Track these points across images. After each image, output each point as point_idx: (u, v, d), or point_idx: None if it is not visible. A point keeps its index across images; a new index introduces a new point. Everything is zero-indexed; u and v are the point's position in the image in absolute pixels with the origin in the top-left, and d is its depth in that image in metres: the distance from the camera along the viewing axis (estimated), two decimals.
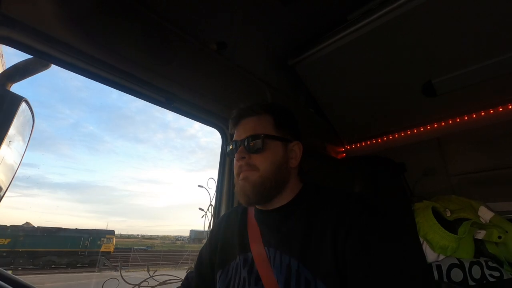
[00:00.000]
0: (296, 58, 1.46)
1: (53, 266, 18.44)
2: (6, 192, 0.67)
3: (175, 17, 1.01)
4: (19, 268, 16.87)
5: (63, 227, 21.06)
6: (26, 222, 21.65)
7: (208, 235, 1.00)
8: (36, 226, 20.32)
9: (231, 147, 0.84)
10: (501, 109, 1.40)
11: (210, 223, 1.47)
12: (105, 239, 21.53)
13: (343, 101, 1.69)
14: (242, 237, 0.84)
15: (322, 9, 1.27)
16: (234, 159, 0.81)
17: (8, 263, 17.35)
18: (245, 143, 0.78)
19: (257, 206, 0.84)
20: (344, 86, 1.59)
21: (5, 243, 18.04)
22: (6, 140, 0.63)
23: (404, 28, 1.18)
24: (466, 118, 1.50)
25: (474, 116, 1.48)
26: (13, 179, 0.69)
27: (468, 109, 1.49)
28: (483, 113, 1.46)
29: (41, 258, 19.03)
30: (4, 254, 17.81)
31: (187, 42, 1.07)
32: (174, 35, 1.02)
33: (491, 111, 1.43)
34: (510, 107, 1.38)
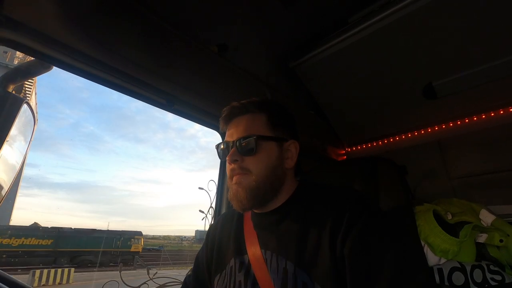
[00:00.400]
0: (297, 60, 1.46)
1: (89, 264, 19.92)
2: (8, 191, 0.67)
3: (176, 19, 1.02)
4: (54, 265, 17.79)
5: (67, 227, 22.26)
6: (34, 223, 23.08)
7: (205, 238, 0.99)
8: (73, 228, 21.95)
9: (222, 147, 0.80)
10: (502, 112, 1.40)
11: (210, 225, 1.46)
12: (134, 240, 23.31)
13: (344, 103, 1.69)
14: (238, 240, 0.82)
15: (323, 11, 1.28)
16: (226, 161, 0.78)
17: (51, 261, 19.02)
18: (237, 145, 0.74)
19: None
20: (344, 88, 1.59)
21: (49, 243, 19.74)
22: (8, 141, 0.64)
23: (405, 30, 1.18)
24: (467, 120, 1.50)
25: (475, 118, 1.47)
26: (15, 178, 0.70)
27: (469, 112, 1.49)
28: (484, 116, 1.45)
29: (79, 257, 20.66)
30: (48, 253, 19.54)
31: (188, 44, 1.07)
32: (175, 37, 1.02)
33: (492, 114, 1.42)
34: (511, 109, 1.38)
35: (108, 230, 23.53)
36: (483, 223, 1.28)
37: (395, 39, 1.23)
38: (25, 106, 0.68)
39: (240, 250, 0.80)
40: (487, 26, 1.12)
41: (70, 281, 13.23)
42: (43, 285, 12.33)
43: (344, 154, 1.98)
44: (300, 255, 0.67)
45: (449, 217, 1.27)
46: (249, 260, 0.75)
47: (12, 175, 0.68)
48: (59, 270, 13.57)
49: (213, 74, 1.19)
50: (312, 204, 0.73)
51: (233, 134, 0.77)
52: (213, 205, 1.44)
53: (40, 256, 19.10)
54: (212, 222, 1.44)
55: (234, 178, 0.75)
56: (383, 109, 1.66)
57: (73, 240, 20.70)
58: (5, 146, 0.62)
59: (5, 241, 18.13)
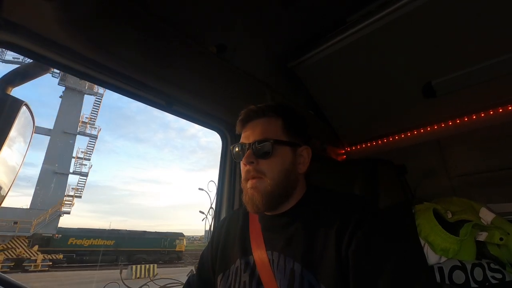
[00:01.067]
0: (295, 60, 1.46)
1: (143, 262, 21.78)
2: (9, 192, 0.68)
3: (174, 20, 1.02)
4: (116, 263, 22.14)
5: (123, 229, 26.01)
6: None
7: (209, 239, 0.99)
8: (128, 230, 25.87)
9: (237, 149, 0.81)
10: (501, 110, 1.40)
11: (210, 226, 1.46)
12: (178, 240, 26.54)
13: (343, 102, 1.69)
14: (244, 241, 0.83)
15: (321, 11, 1.28)
16: (241, 162, 0.79)
17: (113, 259, 22.98)
18: (253, 147, 0.76)
19: None
20: (344, 88, 1.59)
21: (111, 243, 23.50)
22: (7, 143, 0.64)
23: (404, 29, 1.19)
24: (466, 119, 1.50)
25: (474, 117, 1.48)
26: (15, 179, 0.70)
27: (468, 110, 1.49)
28: (483, 114, 1.45)
29: (135, 256, 24.08)
30: (111, 252, 23.40)
31: (187, 45, 1.08)
32: (173, 38, 1.03)
33: (491, 112, 1.43)
34: (510, 108, 1.38)
35: (155, 232, 26.97)
36: (483, 221, 1.28)
37: (393, 39, 1.23)
38: (24, 108, 0.68)
39: (246, 251, 0.81)
40: (485, 25, 1.12)
41: (155, 273, 17.10)
42: (138, 277, 16.25)
43: (344, 154, 1.98)
44: (307, 256, 0.68)
45: (449, 215, 1.27)
46: (254, 261, 0.76)
47: (12, 177, 0.68)
48: (147, 266, 17.65)
49: (212, 75, 1.19)
50: (320, 208, 0.75)
51: (249, 136, 0.79)
52: (213, 206, 1.44)
53: (105, 255, 22.79)
54: (213, 223, 1.44)
55: (250, 182, 0.76)
56: (382, 108, 1.66)
57: (129, 241, 24.34)
58: (5, 147, 0.63)
59: (79, 241, 22.20)
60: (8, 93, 0.72)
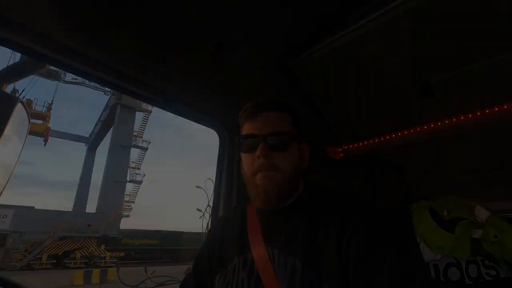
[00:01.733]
0: (294, 58, 1.45)
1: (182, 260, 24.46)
2: (4, 191, 0.67)
3: (173, 17, 1.01)
4: (160, 260, 25.05)
5: (164, 229, 29.57)
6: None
7: (206, 237, 0.99)
8: (168, 231, 29.34)
9: (245, 140, 0.77)
10: (497, 109, 1.41)
11: (208, 223, 1.46)
12: None
13: (341, 101, 1.69)
14: (242, 238, 0.82)
15: (320, 9, 1.27)
16: (247, 154, 0.76)
17: (158, 257, 25.98)
18: (268, 140, 0.73)
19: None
20: (342, 86, 1.59)
21: (156, 243, 27.13)
22: (2, 140, 0.63)
23: (402, 28, 1.19)
24: (462, 118, 1.51)
25: (471, 116, 1.49)
26: (10, 178, 0.69)
27: (465, 109, 1.50)
28: (479, 113, 1.46)
29: (176, 254, 27.15)
30: (156, 250, 26.71)
31: (185, 43, 1.07)
32: (171, 35, 1.02)
33: (487, 111, 1.44)
34: (506, 106, 1.39)
35: (189, 232, 30.09)
36: (478, 219, 1.29)
37: (392, 37, 1.23)
38: (19, 105, 0.67)
39: (244, 248, 0.79)
40: (482, 24, 1.12)
41: None
42: None
43: (341, 152, 1.99)
44: (308, 254, 0.68)
45: (445, 213, 1.29)
46: (252, 258, 0.75)
47: (7, 175, 0.67)
48: None
49: (210, 73, 1.18)
50: (320, 205, 0.74)
51: (261, 128, 0.75)
52: (211, 204, 1.44)
53: (151, 253, 26.10)
54: (210, 221, 1.44)
55: (262, 174, 0.73)
56: (380, 107, 1.66)
57: (170, 240, 27.68)
58: (0, 146, 0.62)
59: (130, 241, 25.97)
60: (3, 89, 0.71)
